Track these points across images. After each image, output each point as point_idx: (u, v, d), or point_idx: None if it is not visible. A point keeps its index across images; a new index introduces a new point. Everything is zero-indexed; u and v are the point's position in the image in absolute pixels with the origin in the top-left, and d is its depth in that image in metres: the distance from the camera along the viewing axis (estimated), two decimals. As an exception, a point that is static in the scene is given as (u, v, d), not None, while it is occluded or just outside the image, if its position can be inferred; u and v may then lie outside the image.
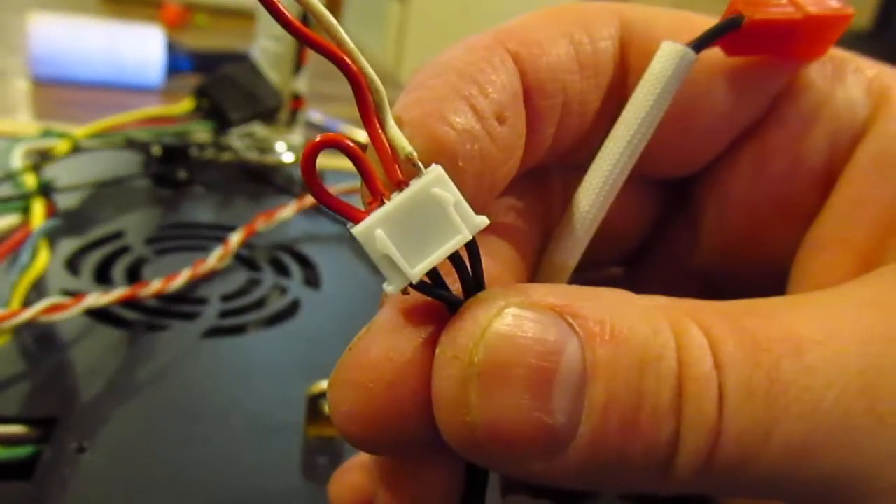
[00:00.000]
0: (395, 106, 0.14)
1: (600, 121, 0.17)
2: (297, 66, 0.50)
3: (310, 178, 0.12)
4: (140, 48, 0.70)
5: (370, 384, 0.13)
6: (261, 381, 0.28)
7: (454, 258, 0.13)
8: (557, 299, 0.12)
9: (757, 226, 0.18)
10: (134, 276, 0.34)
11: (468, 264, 0.13)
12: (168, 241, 0.38)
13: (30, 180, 0.37)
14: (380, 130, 0.12)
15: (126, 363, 0.28)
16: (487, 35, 0.15)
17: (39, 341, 0.28)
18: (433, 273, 0.13)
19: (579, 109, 0.16)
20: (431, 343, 0.13)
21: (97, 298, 0.28)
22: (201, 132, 0.46)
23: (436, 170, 0.12)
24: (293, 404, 0.26)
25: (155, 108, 0.45)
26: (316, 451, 0.25)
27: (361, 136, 0.55)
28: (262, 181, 0.48)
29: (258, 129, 0.50)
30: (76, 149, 0.41)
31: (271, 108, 0.49)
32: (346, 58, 0.12)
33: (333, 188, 0.14)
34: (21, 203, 0.35)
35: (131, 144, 0.44)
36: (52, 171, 0.39)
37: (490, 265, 0.14)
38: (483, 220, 0.13)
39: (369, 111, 0.12)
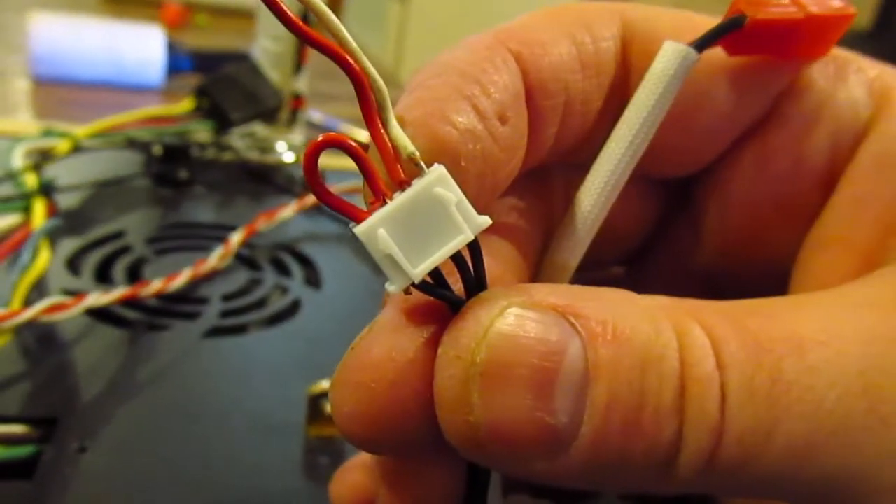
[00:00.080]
0: (398, 106, 0.14)
1: (602, 121, 0.17)
2: (298, 65, 0.50)
3: (312, 178, 0.12)
4: (140, 48, 0.70)
5: (372, 384, 0.13)
6: (261, 381, 0.28)
7: (456, 258, 0.13)
8: (559, 299, 0.12)
9: (758, 225, 0.18)
10: (135, 275, 0.34)
11: (470, 264, 0.13)
12: (169, 241, 0.38)
13: (31, 180, 0.37)
14: (382, 130, 0.12)
15: (127, 363, 0.28)
16: (489, 35, 0.15)
17: (40, 341, 0.28)
18: (435, 273, 0.13)
19: (581, 109, 0.16)
20: (434, 343, 0.13)
21: (98, 298, 0.28)
22: (202, 132, 0.46)
23: (438, 169, 0.12)
24: (294, 404, 0.26)
25: (155, 108, 0.45)
26: (317, 451, 0.25)
27: (362, 135, 0.55)
28: (263, 181, 0.48)
29: (259, 128, 0.50)
30: (77, 148, 0.41)
31: (272, 108, 0.49)
32: (348, 57, 0.12)
33: (334, 187, 0.14)
34: (22, 203, 0.35)
35: (132, 144, 0.44)
36: (53, 171, 0.39)
37: (492, 265, 0.14)
38: (485, 220, 0.13)
39: (371, 111, 0.12)
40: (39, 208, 0.34)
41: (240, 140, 0.50)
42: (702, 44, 0.15)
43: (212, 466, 0.24)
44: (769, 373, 0.12)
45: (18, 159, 0.39)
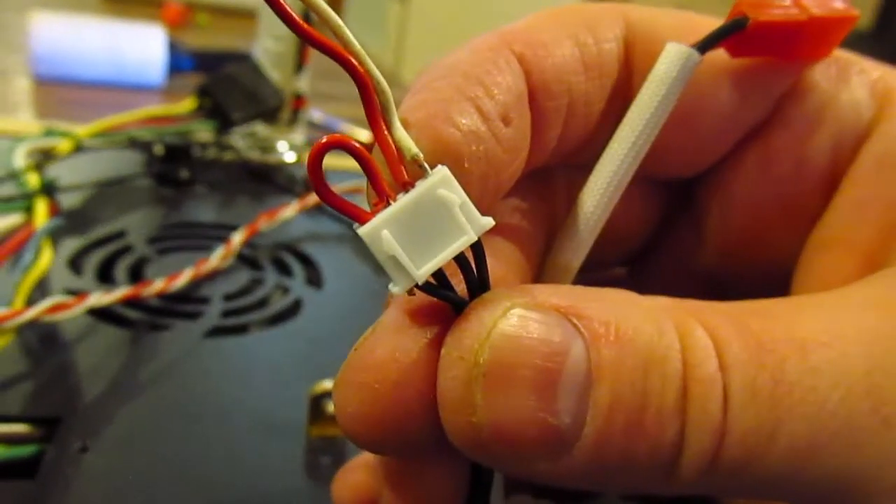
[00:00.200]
0: (401, 107, 0.14)
1: (605, 122, 0.17)
2: (299, 65, 0.50)
3: (316, 179, 0.12)
4: (141, 47, 0.70)
5: (376, 385, 0.13)
6: (263, 381, 0.28)
7: (459, 259, 0.13)
8: (562, 300, 0.12)
9: (761, 227, 0.18)
10: (136, 275, 0.34)
11: (473, 265, 0.13)
12: (170, 241, 0.38)
13: (33, 180, 0.37)
14: (386, 132, 0.12)
15: (129, 362, 0.28)
16: (492, 36, 0.15)
17: (42, 341, 0.28)
18: (438, 274, 0.13)
19: (584, 110, 0.16)
20: (437, 344, 0.13)
21: (100, 298, 0.28)
22: (203, 132, 0.46)
23: (441, 171, 0.12)
24: (295, 404, 0.26)
25: (157, 108, 0.45)
26: (318, 451, 0.25)
27: (363, 135, 0.55)
28: (265, 181, 0.48)
29: (260, 128, 0.50)
30: (78, 148, 0.41)
31: (273, 108, 0.49)
32: (352, 59, 0.12)
33: (337, 188, 0.14)
34: (24, 202, 0.35)
35: (133, 144, 0.44)
36: (55, 171, 0.39)
37: (495, 266, 0.14)
38: (488, 221, 0.13)
39: (375, 112, 0.12)
40: (41, 208, 0.34)
41: (241, 140, 0.50)
42: (704, 45, 0.15)
43: (213, 466, 0.24)
44: (771, 374, 0.12)
45: (20, 159, 0.39)
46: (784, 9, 0.16)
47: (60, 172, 0.39)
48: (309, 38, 0.12)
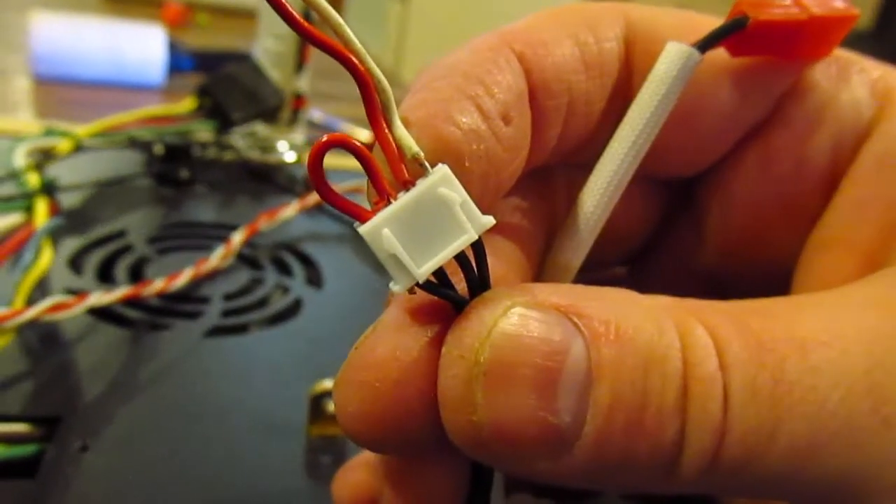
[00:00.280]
0: (401, 106, 0.14)
1: (605, 121, 0.17)
2: (299, 65, 0.50)
3: (317, 178, 0.12)
4: (141, 47, 0.70)
5: (376, 383, 0.13)
6: (263, 381, 0.28)
7: (460, 258, 0.13)
8: (562, 299, 0.12)
9: (761, 226, 0.18)
10: (136, 275, 0.34)
11: (474, 264, 0.13)
12: (170, 241, 0.38)
13: (33, 179, 0.37)
14: (386, 130, 0.12)
15: (129, 362, 0.28)
16: (492, 36, 0.15)
17: (43, 340, 0.28)
18: (439, 272, 0.13)
19: (584, 110, 0.16)
20: (437, 342, 0.13)
21: (100, 297, 0.28)
22: (203, 131, 0.46)
23: (442, 170, 0.12)
24: (295, 403, 0.26)
25: (157, 108, 0.45)
26: (318, 451, 0.25)
27: (363, 134, 0.55)
28: (265, 180, 0.48)
29: (260, 128, 0.50)
30: (78, 148, 0.41)
31: (273, 108, 0.49)
32: (353, 58, 0.12)
33: (337, 187, 0.14)
34: (24, 202, 0.35)
35: (133, 144, 0.44)
36: (55, 170, 0.39)
37: (495, 265, 0.14)
38: (489, 220, 0.13)
39: (376, 111, 0.12)
40: (41, 208, 0.34)
41: (241, 139, 0.50)
42: (705, 44, 0.15)
43: (213, 466, 0.24)
44: (772, 373, 0.12)
45: (20, 159, 0.39)
46: (784, 8, 0.16)
47: (60, 172, 0.39)
48: (310, 36, 0.12)
